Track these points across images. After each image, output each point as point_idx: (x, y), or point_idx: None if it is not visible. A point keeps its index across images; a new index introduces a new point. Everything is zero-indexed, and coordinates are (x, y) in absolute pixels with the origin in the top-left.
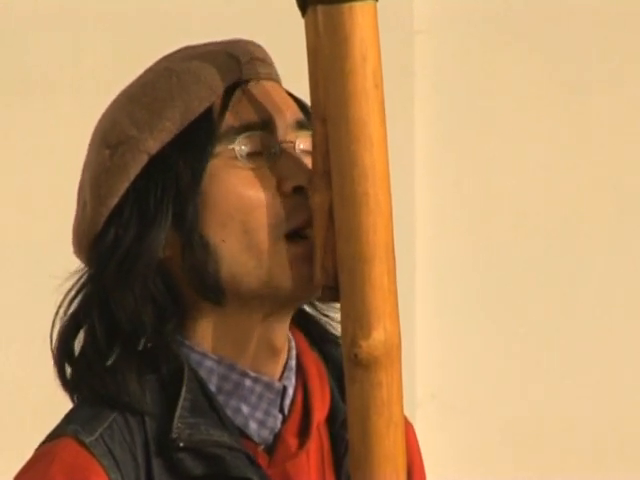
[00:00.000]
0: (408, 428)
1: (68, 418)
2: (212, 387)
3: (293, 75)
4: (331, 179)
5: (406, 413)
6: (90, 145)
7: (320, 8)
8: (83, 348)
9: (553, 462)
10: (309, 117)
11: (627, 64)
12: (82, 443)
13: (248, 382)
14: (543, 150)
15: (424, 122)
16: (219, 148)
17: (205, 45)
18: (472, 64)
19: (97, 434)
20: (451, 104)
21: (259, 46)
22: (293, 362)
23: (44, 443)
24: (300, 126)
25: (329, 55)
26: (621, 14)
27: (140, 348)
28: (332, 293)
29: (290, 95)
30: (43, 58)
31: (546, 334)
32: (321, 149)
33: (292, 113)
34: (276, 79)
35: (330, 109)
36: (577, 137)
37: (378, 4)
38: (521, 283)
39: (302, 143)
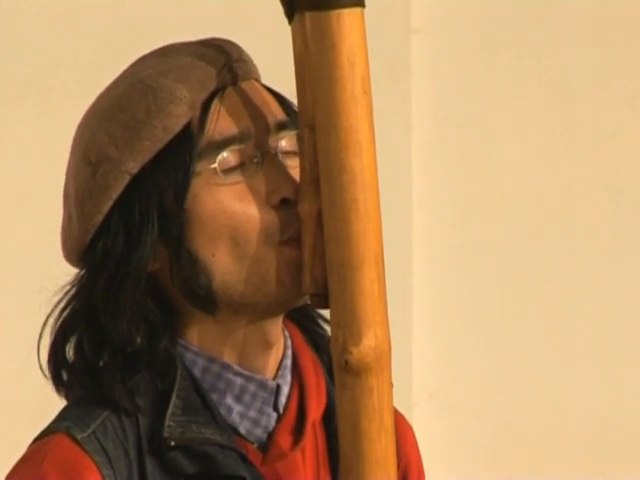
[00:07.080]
0: (407, 429)
1: (61, 416)
2: (205, 385)
3: (280, 82)
4: (319, 186)
5: (403, 413)
6: (72, 154)
7: (308, 15)
8: (74, 352)
9: (550, 461)
10: (292, 112)
11: (624, 64)
12: (74, 439)
13: (241, 381)
14: (541, 149)
15: (421, 121)
16: (200, 167)
17: (178, 49)
18: (469, 63)
19: (90, 430)
20: (448, 103)
21: (234, 44)
22: (289, 361)
23: (37, 440)
24: (281, 127)
25: (317, 62)
26: (617, 16)
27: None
28: (321, 300)
29: (270, 91)
30: (39, 57)
31: (543, 333)
32: (309, 157)
33: (272, 116)
34: (254, 76)
35: (319, 116)
36: (574, 136)
37: (376, 3)
38: (517, 283)
39: (285, 143)
